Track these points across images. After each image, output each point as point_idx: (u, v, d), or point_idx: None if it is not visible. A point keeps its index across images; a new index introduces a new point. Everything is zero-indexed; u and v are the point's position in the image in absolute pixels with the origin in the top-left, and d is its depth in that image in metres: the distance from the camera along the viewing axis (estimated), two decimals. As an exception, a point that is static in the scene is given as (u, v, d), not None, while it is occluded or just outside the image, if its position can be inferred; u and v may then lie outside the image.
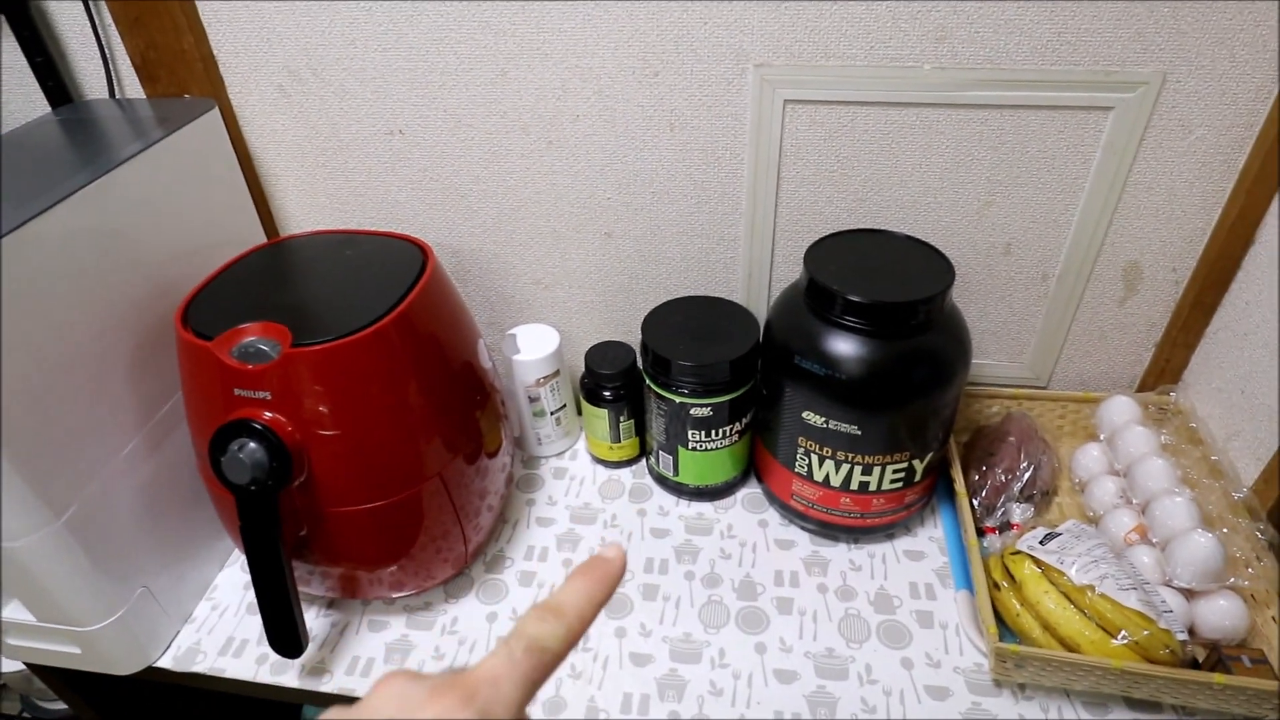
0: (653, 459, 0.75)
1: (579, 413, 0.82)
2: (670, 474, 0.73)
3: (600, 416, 0.74)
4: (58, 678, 0.71)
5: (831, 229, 0.69)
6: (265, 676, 0.62)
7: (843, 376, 0.59)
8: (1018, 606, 0.57)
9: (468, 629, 0.65)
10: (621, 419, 0.74)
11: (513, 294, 0.80)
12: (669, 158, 0.69)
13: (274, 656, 0.63)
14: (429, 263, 0.60)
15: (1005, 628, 0.58)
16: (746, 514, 0.73)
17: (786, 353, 0.63)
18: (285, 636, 0.58)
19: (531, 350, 0.74)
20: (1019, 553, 0.60)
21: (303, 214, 0.78)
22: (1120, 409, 0.71)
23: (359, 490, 0.56)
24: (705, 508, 0.74)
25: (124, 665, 0.63)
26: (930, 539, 0.70)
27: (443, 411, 0.59)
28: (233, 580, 0.70)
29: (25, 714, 0.81)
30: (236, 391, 0.53)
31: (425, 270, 0.59)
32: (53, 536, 0.53)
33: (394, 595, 0.65)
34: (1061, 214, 0.67)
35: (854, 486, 0.64)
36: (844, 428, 0.61)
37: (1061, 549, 0.59)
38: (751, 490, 0.75)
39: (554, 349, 0.74)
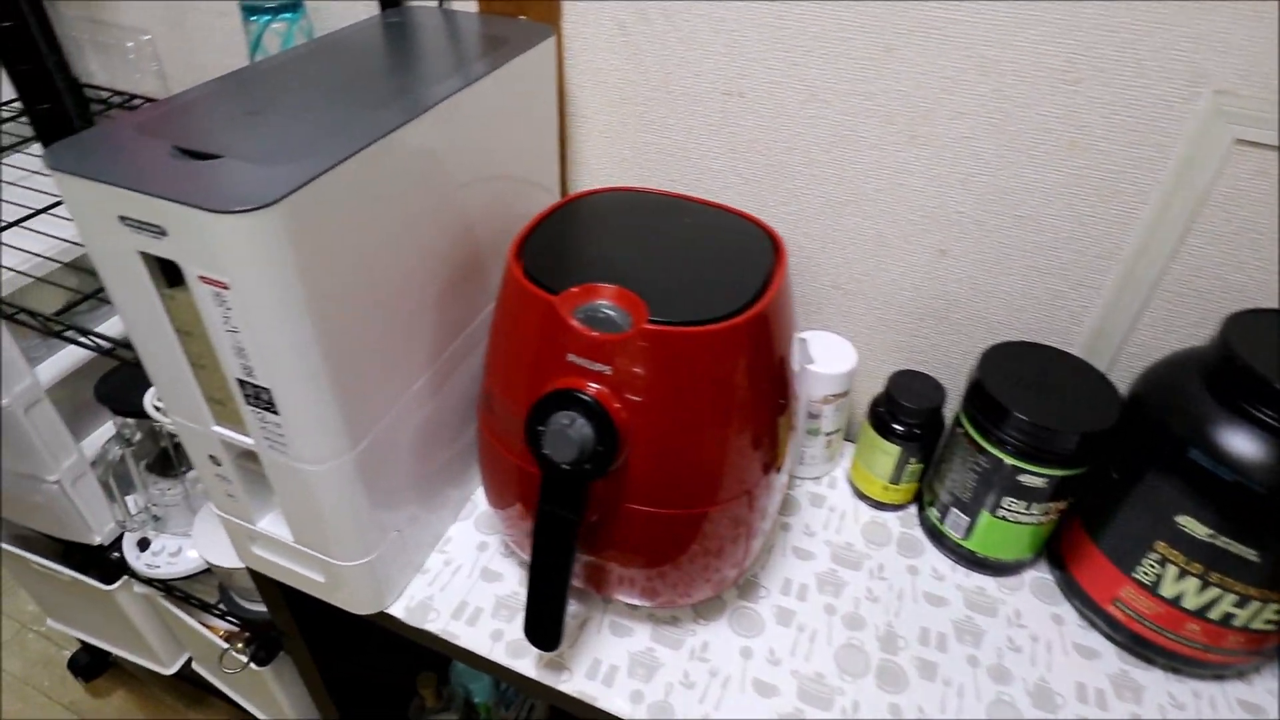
0: (934, 512, 0.65)
1: (845, 438, 0.73)
2: (959, 536, 0.64)
3: (887, 453, 0.65)
4: (274, 589, 0.69)
5: (1235, 301, 0.57)
6: (500, 656, 0.58)
7: (1259, 487, 0.48)
8: None
9: (720, 659, 0.58)
10: (911, 461, 0.65)
11: (805, 292, 0.72)
12: (1055, 181, 0.58)
13: (511, 635, 0.59)
14: (781, 255, 0.52)
15: None
16: (1037, 602, 0.63)
17: (1168, 439, 0.52)
18: (546, 627, 0.53)
19: (826, 363, 0.65)
20: None
21: (599, 164, 0.72)
22: None
23: (670, 493, 0.50)
24: (987, 582, 0.64)
25: (361, 605, 0.59)
26: (1269, 692, 0.58)
27: (768, 422, 0.52)
28: (466, 537, 0.66)
29: (220, 605, 0.81)
30: (571, 358, 0.47)
31: (779, 263, 0.52)
32: (344, 467, 0.50)
33: (645, 603, 0.59)
34: None
35: (1214, 616, 0.53)
36: (1235, 548, 0.50)
37: None
38: (1042, 576, 0.65)
39: (850, 366, 0.65)
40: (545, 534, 0.50)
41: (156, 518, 0.80)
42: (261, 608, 0.78)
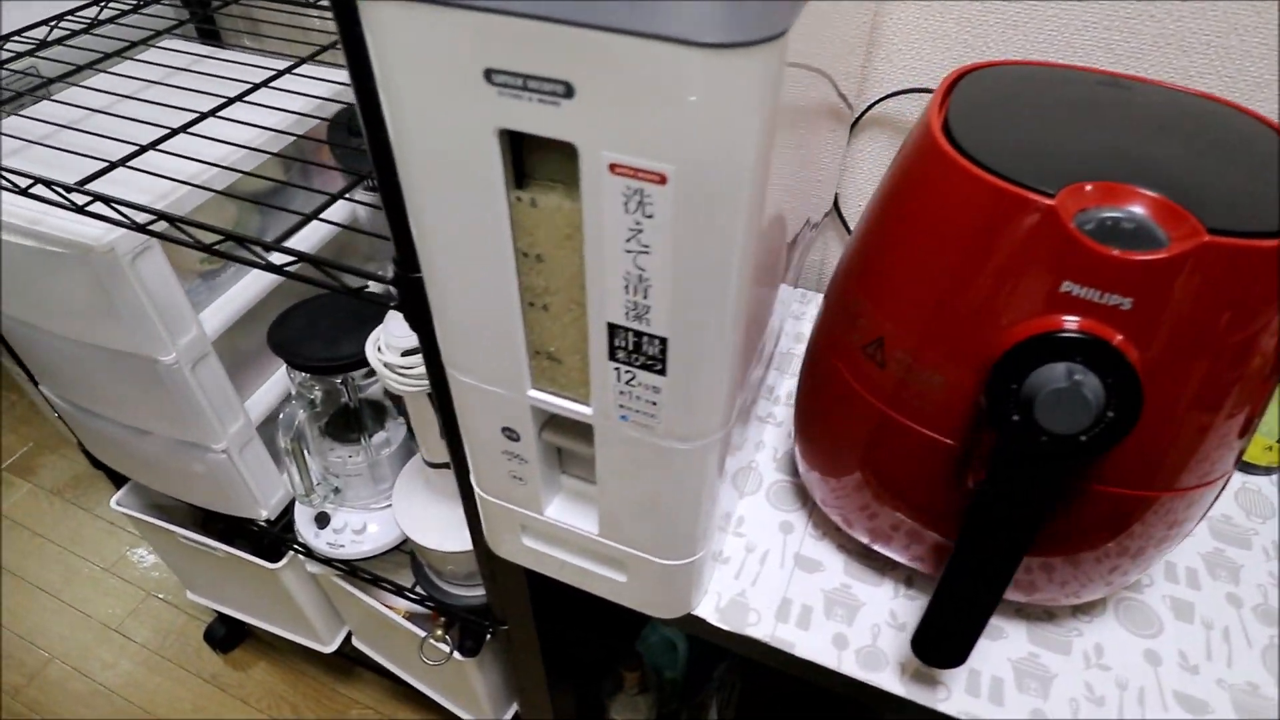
0: (1343, 477, 0.52)
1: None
2: (1387, 507, 0.51)
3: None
4: (516, 580, 0.58)
5: None
6: (852, 668, 0.46)
7: None
8: None
9: (1121, 664, 0.46)
10: (1319, 414, 0.52)
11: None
12: None
13: (858, 641, 0.47)
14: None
15: None
16: None
17: None
18: (956, 642, 0.41)
19: None
20: None
21: (910, 45, 0.57)
22: None
23: (1151, 472, 0.37)
24: None
25: (667, 608, 0.48)
26: None
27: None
28: (761, 515, 0.54)
29: (416, 589, 0.70)
30: (1066, 287, 0.33)
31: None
32: (712, 448, 0.37)
33: (1020, 598, 0.47)
34: None
35: None
36: None
37: None
38: None
39: None
40: (992, 525, 0.37)
41: (337, 490, 0.69)
42: (471, 593, 0.67)
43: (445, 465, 0.59)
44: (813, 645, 0.47)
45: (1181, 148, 0.37)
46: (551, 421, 0.40)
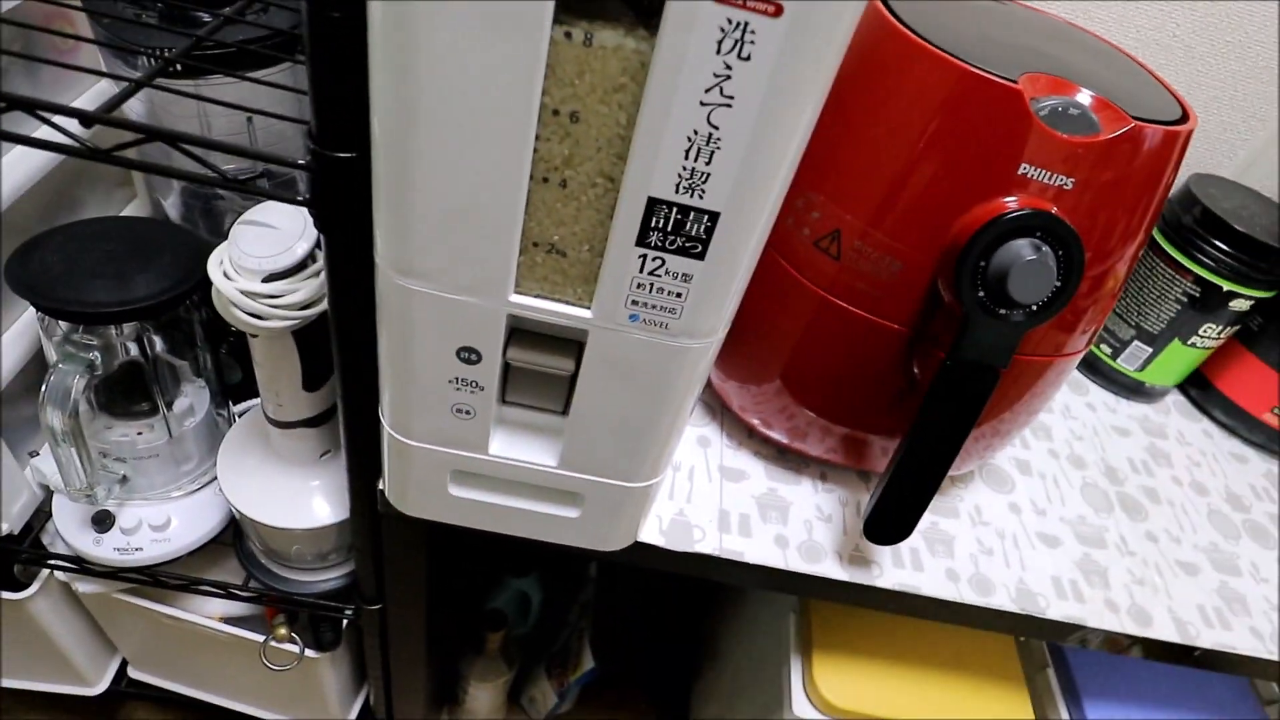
0: (1104, 349, 0.66)
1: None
2: (1133, 368, 0.65)
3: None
4: (412, 541, 0.50)
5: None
6: (798, 564, 0.47)
7: None
8: None
9: (995, 518, 0.53)
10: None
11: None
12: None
13: (796, 538, 0.48)
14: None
15: None
16: (1186, 421, 0.67)
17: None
18: (907, 515, 0.43)
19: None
20: None
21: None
22: None
23: (1055, 338, 0.42)
24: (1146, 410, 0.67)
25: (616, 539, 0.44)
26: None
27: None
28: (677, 435, 0.52)
29: (250, 584, 0.56)
30: (1023, 169, 0.36)
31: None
32: (713, 347, 0.34)
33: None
34: None
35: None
36: None
37: None
38: (1176, 398, 0.69)
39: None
40: (951, 402, 0.40)
41: (124, 479, 0.52)
42: (322, 577, 0.55)
43: (304, 423, 0.48)
44: (759, 550, 0.47)
45: (1077, 56, 0.42)
46: (517, 337, 0.35)
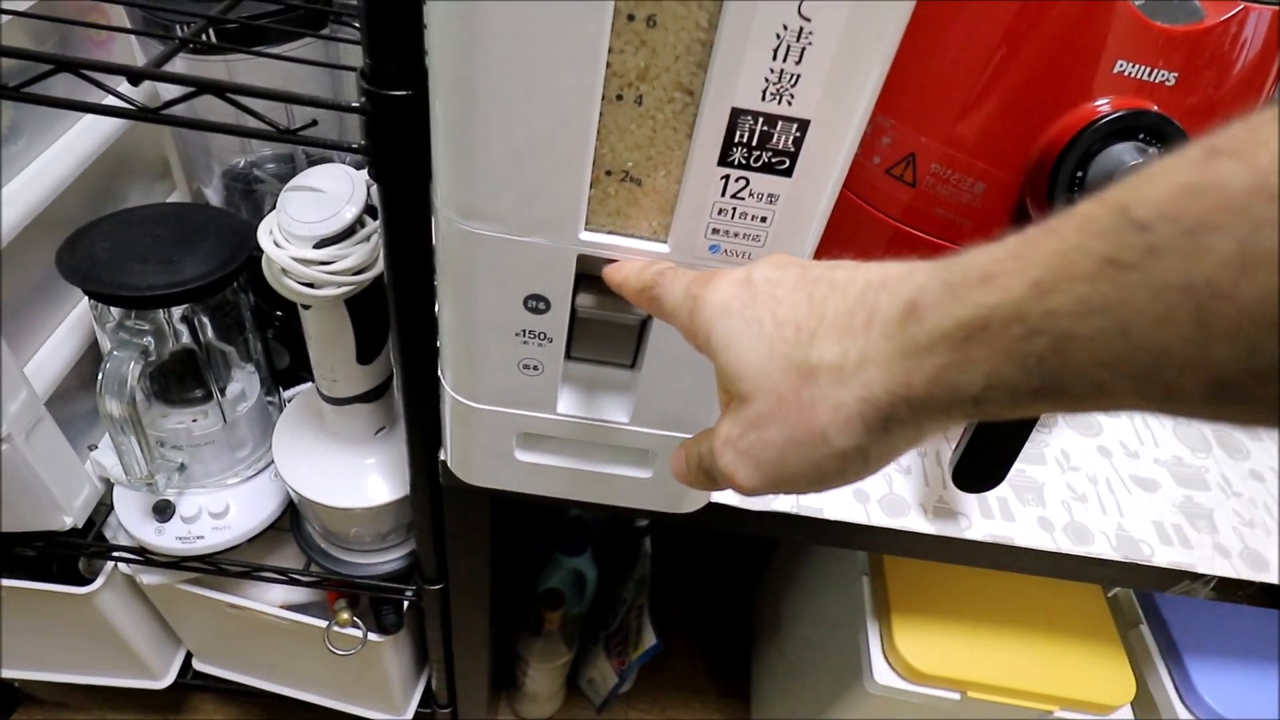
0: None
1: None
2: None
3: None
4: (477, 517, 0.48)
5: None
6: (880, 518, 0.45)
7: None
8: None
9: (1085, 463, 0.50)
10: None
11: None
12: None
13: (877, 494, 0.46)
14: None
15: None
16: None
17: None
18: (993, 461, 0.41)
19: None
20: None
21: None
22: None
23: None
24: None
25: (693, 500, 0.42)
26: None
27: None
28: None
29: (311, 569, 0.55)
30: (1119, 66, 0.33)
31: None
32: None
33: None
34: None
35: None
36: None
37: None
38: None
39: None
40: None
41: (182, 467, 0.51)
42: (383, 559, 0.54)
43: (359, 398, 0.47)
44: (839, 506, 0.45)
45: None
46: (584, 286, 0.33)
